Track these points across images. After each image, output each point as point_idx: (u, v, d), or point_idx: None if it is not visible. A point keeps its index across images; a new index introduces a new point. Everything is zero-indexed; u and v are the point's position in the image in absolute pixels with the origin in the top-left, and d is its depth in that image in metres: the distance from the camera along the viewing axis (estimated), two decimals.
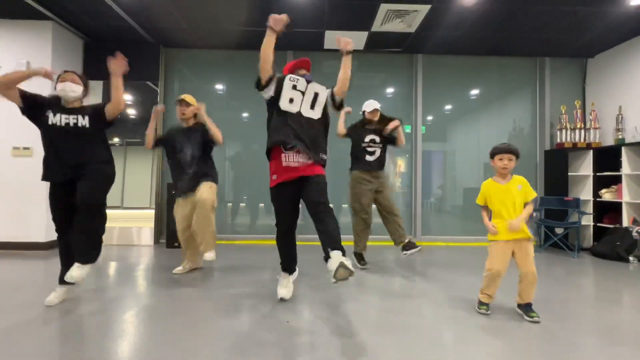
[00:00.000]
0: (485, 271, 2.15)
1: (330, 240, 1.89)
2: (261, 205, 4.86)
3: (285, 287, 2.38)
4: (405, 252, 3.01)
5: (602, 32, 4.08)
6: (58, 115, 2.09)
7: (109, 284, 2.73)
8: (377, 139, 3.20)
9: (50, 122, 2.08)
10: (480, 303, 2.18)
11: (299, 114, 2.13)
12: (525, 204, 2.09)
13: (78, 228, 2.08)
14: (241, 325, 1.95)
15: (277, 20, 2.08)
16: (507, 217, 2.07)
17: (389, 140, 3.24)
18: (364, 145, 3.19)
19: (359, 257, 3.28)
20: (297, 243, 2.48)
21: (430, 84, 4.91)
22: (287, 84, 2.15)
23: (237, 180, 4.83)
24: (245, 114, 4.90)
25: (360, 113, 3.34)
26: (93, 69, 4.52)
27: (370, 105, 3.22)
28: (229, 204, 4.85)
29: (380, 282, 2.85)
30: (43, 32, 3.94)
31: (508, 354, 1.66)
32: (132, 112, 4.64)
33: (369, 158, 3.18)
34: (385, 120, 3.24)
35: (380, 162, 3.22)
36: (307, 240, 4.79)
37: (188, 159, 2.87)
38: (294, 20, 2.17)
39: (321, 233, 1.95)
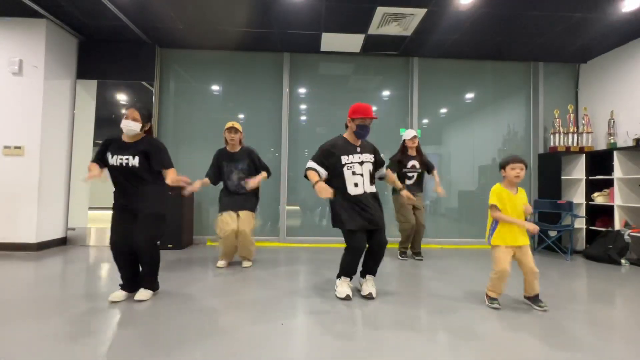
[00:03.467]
0: (493, 273, 2.29)
1: (373, 268, 2.54)
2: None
3: (348, 287, 2.47)
4: (417, 257, 3.81)
5: (595, 38, 4.15)
6: (115, 156, 2.29)
7: (101, 285, 2.69)
8: (417, 165, 3.72)
9: (110, 163, 2.31)
10: (491, 299, 2.32)
11: (365, 193, 2.41)
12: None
13: (142, 265, 2.37)
14: (235, 327, 1.93)
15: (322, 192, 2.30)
16: (513, 225, 2.27)
17: (427, 169, 3.81)
18: (405, 170, 3.70)
19: (402, 253, 3.85)
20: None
21: (426, 87, 4.94)
22: (346, 172, 2.41)
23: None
24: (241, 115, 4.88)
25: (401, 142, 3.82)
26: (87, 68, 4.49)
27: (410, 134, 3.72)
28: None
29: (378, 282, 2.84)
30: (37, 30, 3.89)
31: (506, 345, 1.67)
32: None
33: (407, 182, 3.70)
34: (421, 152, 3.80)
35: (416, 185, 3.75)
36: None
37: (235, 183, 3.27)
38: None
39: (370, 261, 2.52)
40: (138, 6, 3.63)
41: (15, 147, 3.84)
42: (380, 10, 3.62)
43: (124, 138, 2.34)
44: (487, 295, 2.36)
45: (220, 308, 2.22)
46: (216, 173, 3.30)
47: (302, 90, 4.92)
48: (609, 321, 2.14)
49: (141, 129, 2.32)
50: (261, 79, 4.86)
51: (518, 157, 2.29)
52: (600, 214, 4.28)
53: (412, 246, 3.83)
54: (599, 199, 4.22)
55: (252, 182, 3.16)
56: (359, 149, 2.46)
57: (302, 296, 2.48)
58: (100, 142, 2.50)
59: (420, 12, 3.64)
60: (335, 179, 2.42)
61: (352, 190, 2.39)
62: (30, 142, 3.86)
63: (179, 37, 4.37)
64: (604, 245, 3.85)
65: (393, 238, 4.63)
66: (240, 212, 3.21)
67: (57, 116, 4.16)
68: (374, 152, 2.55)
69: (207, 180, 3.25)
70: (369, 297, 2.43)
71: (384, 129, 4.85)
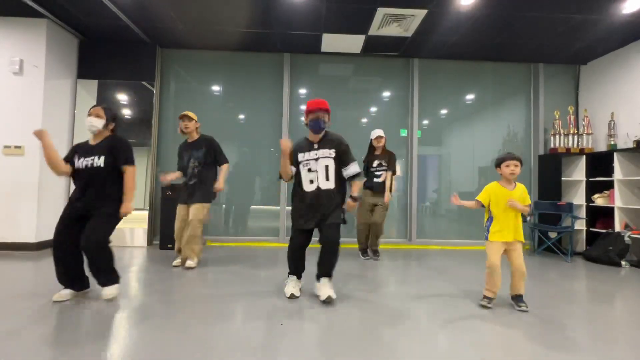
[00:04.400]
0: (486, 269, 2.34)
1: (324, 268, 2.43)
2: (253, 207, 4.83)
3: (294, 286, 2.51)
4: (374, 257, 3.88)
5: (595, 39, 4.15)
6: (82, 159, 2.29)
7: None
8: (384, 163, 3.77)
9: (77, 166, 2.30)
10: (489, 299, 2.35)
11: (318, 189, 2.41)
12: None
13: (93, 266, 2.26)
14: (234, 327, 1.93)
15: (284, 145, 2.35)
16: (509, 221, 2.30)
17: (393, 170, 3.82)
18: (372, 169, 3.77)
19: (363, 252, 3.91)
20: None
21: (426, 89, 4.95)
22: (302, 169, 2.45)
23: (231, 181, 4.80)
24: (241, 116, 4.88)
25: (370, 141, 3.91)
26: (88, 68, 4.49)
27: (374, 133, 3.81)
28: (224, 206, 4.82)
29: (374, 282, 2.84)
30: (37, 30, 3.90)
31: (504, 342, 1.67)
32: (127, 113, 4.60)
33: (376, 180, 3.76)
34: (388, 152, 3.84)
35: (382, 186, 3.74)
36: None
37: (189, 171, 3.25)
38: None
39: (320, 260, 2.43)
40: (138, 6, 3.64)
41: (16, 147, 3.84)
42: (381, 11, 3.62)
43: (90, 141, 2.36)
44: (484, 295, 2.38)
45: (218, 307, 2.21)
46: (181, 166, 3.33)
47: (302, 91, 4.92)
48: (609, 322, 2.14)
49: (105, 127, 2.33)
50: (261, 80, 4.87)
51: (512, 154, 2.33)
52: (600, 216, 4.28)
53: (370, 243, 3.88)
54: (599, 200, 4.21)
55: (219, 186, 3.27)
56: (316, 146, 2.46)
57: (302, 296, 2.48)
58: None
59: (421, 13, 3.65)
60: (297, 176, 2.50)
61: (306, 187, 2.43)
62: (31, 141, 3.86)
63: (179, 37, 4.37)
64: (604, 247, 3.85)
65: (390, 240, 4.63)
66: (191, 206, 3.19)
67: (57, 116, 4.16)
68: (337, 146, 2.43)
69: (179, 173, 3.33)
70: (328, 300, 2.30)
71: (384, 130, 4.84)
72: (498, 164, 2.37)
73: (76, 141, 4.39)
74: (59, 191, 4.22)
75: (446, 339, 1.85)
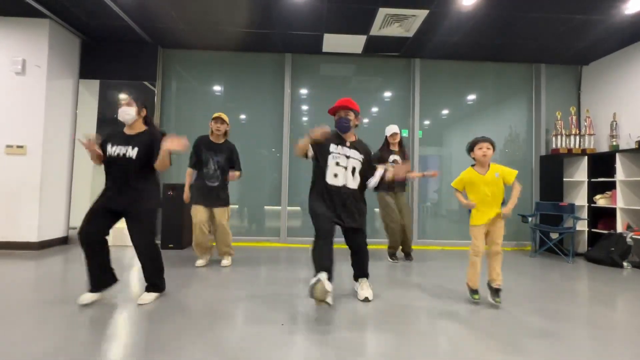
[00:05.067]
0: (471, 255, 2.35)
1: (360, 270, 2.55)
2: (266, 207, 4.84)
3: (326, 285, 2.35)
4: (407, 259, 3.82)
5: (597, 40, 4.13)
6: (115, 146, 2.25)
7: None
8: (399, 159, 3.69)
9: (108, 153, 2.25)
10: (472, 291, 2.39)
11: (344, 186, 2.40)
12: (510, 186, 2.31)
13: (145, 266, 2.32)
14: (235, 327, 1.93)
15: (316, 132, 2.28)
16: (487, 205, 2.30)
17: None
18: (389, 164, 3.60)
19: (393, 255, 3.78)
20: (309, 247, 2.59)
21: (428, 89, 4.94)
22: (330, 160, 2.40)
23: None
24: (242, 116, 4.89)
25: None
26: (90, 68, 4.50)
27: (391, 130, 3.73)
28: None
29: (374, 282, 2.84)
30: (40, 30, 3.91)
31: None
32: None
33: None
34: (402, 147, 3.84)
35: (400, 183, 3.66)
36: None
37: (210, 172, 3.25)
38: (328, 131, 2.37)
39: (354, 263, 2.56)
40: (140, 6, 3.65)
41: (18, 146, 3.85)
42: (382, 12, 3.62)
43: (126, 130, 2.32)
44: (467, 285, 2.42)
45: (219, 308, 2.22)
46: (197, 161, 3.29)
47: (303, 91, 4.93)
48: (610, 323, 2.13)
49: (138, 114, 2.31)
50: (263, 80, 4.87)
51: (484, 137, 2.37)
52: (602, 217, 4.26)
53: (402, 247, 3.78)
54: (601, 201, 4.20)
55: (231, 176, 3.26)
56: (348, 144, 2.46)
57: (303, 297, 2.48)
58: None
59: (422, 14, 3.64)
60: (319, 165, 2.43)
61: (330, 180, 2.38)
62: (33, 141, 3.88)
63: (180, 37, 4.38)
64: (606, 248, 3.83)
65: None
66: (216, 210, 3.25)
67: (59, 116, 4.17)
68: (367, 154, 2.51)
69: (190, 171, 3.30)
70: (365, 301, 2.40)
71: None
72: (471, 147, 2.39)
73: (78, 141, 4.41)
74: (60, 191, 4.23)
75: (446, 339, 1.84)
